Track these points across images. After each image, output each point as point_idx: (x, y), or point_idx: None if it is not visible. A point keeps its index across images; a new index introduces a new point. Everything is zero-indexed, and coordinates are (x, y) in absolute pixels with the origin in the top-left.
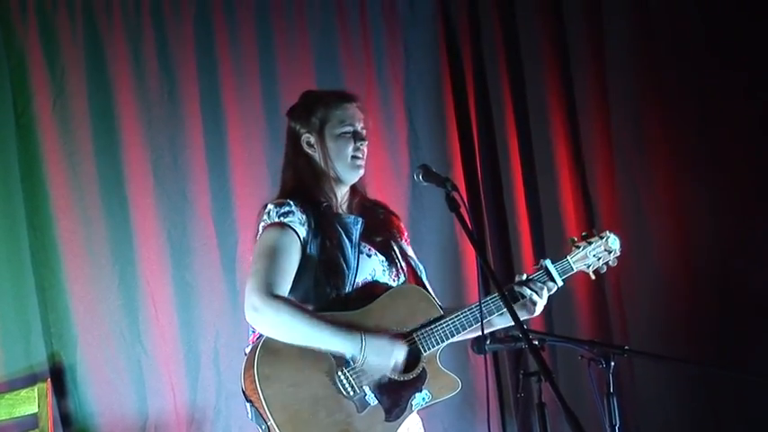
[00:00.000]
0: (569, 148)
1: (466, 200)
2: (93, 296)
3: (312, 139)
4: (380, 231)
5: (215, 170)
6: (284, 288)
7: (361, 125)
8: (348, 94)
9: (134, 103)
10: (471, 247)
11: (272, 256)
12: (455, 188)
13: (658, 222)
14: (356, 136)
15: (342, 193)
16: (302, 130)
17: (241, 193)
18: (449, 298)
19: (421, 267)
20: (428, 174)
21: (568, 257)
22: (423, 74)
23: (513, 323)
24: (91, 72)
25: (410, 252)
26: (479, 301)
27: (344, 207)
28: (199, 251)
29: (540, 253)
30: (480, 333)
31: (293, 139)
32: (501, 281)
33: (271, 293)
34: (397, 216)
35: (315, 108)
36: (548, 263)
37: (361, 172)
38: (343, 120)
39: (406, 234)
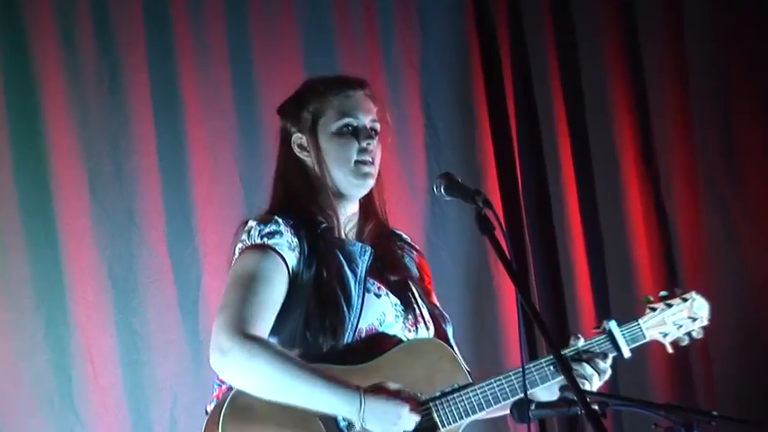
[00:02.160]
0: (639, 153)
1: (502, 219)
2: (12, 349)
3: (304, 140)
4: (396, 269)
5: (171, 183)
6: (262, 327)
7: (371, 118)
8: (352, 78)
9: (65, 95)
10: (509, 281)
11: (250, 286)
12: (488, 204)
13: (754, 249)
14: (359, 132)
15: (347, 213)
16: (292, 129)
17: (205, 214)
18: (480, 347)
19: (447, 320)
20: (452, 185)
21: (640, 321)
22: (444, 54)
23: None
24: (8, 56)
25: (435, 299)
26: (521, 350)
27: (351, 233)
28: (150, 290)
29: (600, 289)
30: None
31: (284, 141)
32: (549, 327)
33: (244, 333)
34: (421, 253)
35: (307, 99)
36: (612, 326)
37: (370, 183)
38: (343, 111)
39: (426, 277)
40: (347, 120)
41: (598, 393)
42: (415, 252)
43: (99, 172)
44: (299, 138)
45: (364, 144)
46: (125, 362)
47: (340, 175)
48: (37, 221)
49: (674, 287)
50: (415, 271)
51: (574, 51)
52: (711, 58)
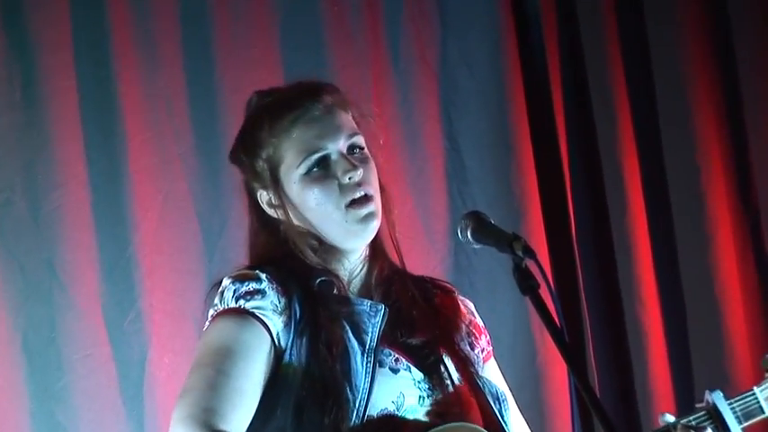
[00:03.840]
0: (731, 180)
1: (549, 274)
2: None
3: (272, 198)
4: (423, 328)
5: (106, 226)
6: (235, 419)
7: (346, 135)
8: (303, 90)
9: None
10: (559, 356)
11: (219, 365)
12: (530, 253)
13: None
14: (336, 166)
15: (351, 264)
16: (255, 185)
17: (152, 266)
18: None
19: (503, 396)
20: (482, 227)
21: (757, 390)
22: (470, 51)
23: None
24: None
25: (488, 369)
26: None
27: (355, 284)
28: (78, 369)
29: (680, 364)
30: None
31: (250, 198)
32: (612, 417)
33: (209, 427)
34: (462, 301)
35: (257, 143)
36: (717, 398)
37: (374, 225)
38: (304, 148)
39: (483, 337)
40: (314, 157)
41: None
42: (454, 301)
43: (9, 211)
44: (265, 195)
45: (345, 179)
46: None
47: (333, 229)
48: None
49: None
50: (456, 328)
51: (644, 46)
52: None
